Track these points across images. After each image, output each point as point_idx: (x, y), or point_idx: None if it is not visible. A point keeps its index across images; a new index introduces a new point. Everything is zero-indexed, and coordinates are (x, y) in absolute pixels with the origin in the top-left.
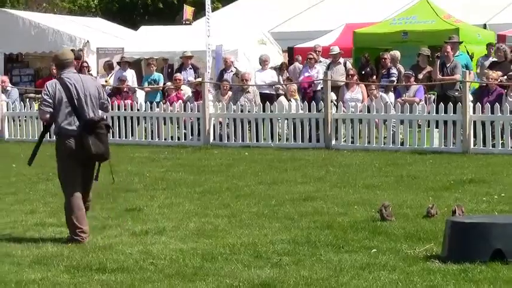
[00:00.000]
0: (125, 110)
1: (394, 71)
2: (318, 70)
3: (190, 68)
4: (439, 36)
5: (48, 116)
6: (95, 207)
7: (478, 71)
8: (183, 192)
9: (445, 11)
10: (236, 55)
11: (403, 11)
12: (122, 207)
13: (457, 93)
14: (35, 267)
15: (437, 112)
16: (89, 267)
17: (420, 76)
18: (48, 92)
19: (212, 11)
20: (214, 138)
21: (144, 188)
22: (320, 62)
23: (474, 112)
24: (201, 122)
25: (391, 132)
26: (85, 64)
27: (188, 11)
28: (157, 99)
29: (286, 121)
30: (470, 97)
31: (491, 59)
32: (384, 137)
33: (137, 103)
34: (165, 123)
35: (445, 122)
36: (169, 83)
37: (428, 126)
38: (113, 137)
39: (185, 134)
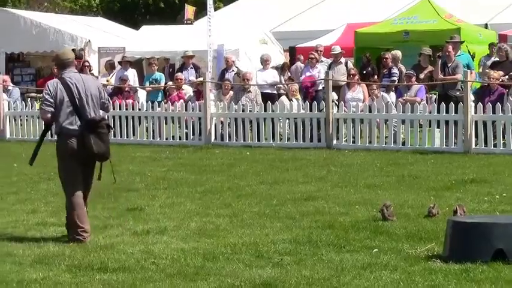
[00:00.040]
0: (126, 109)
1: (395, 70)
2: (319, 70)
3: (192, 68)
4: (440, 36)
5: (49, 115)
6: (96, 206)
7: (481, 70)
8: (184, 191)
9: (447, 10)
10: (237, 55)
11: (404, 11)
12: (124, 206)
13: (458, 93)
14: (37, 266)
15: (438, 112)
16: (90, 267)
17: (421, 76)
18: (50, 91)
19: (213, 11)
20: (215, 138)
21: (146, 188)
22: (321, 61)
23: (476, 112)
24: (203, 121)
25: (393, 132)
26: (86, 64)
27: (189, 10)
28: (159, 98)
29: (287, 121)
30: (471, 97)
31: (493, 59)
32: (385, 137)
33: (138, 103)
34: (166, 123)
35: (447, 122)
36: (170, 83)
37: (430, 126)
38: (114, 136)
39: (186, 133)
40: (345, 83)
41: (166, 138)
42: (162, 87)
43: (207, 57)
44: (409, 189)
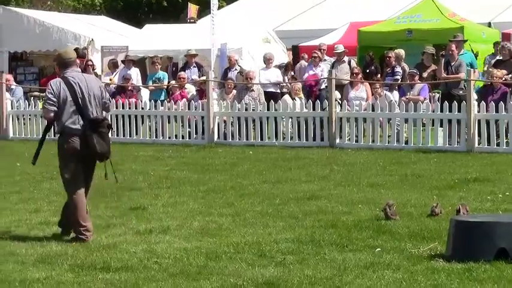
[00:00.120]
0: (129, 108)
1: (398, 69)
2: (323, 68)
3: (195, 67)
4: (443, 35)
5: (52, 114)
6: (99, 205)
7: (485, 69)
8: (187, 191)
9: (450, 9)
10: (240, 53)
11: (407, 10)
12: (126, 206)
13: (461, 92)
14: (39, 266)
15: (441, 111)
16: (93, 266)
17: (425, 75)
18: (53, 90)
19: (217, 9)
20: (218, 137)
21: (149, 187)
22: (325, 60)
23: (479, 111)
24: (205, 120)
25: (396, 131)
26: (90, 62)
27: (192, 9)
28: (162, 97)
29: (290, 120)
30: (474, 96)
31: (498, 58)
32: (388, 136)
33: (141, 101)
34: (169, 122)
35: (450, 121)
36: (173, 82)
37: (433, 125)
38: (117, 135)
39: (189, 132)
40: (348, 81)
41: (169, 137)
42: (165, 86)
43: (210, 56)
44: (412, 188)
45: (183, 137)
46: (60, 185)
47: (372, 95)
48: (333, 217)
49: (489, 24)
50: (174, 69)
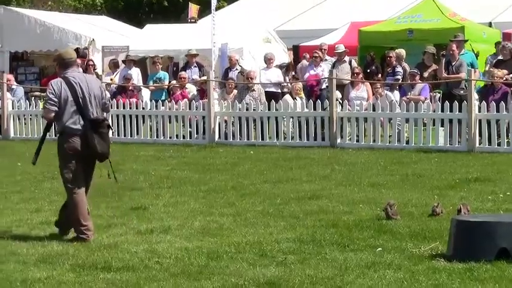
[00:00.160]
0: (130, 108)
1: (399, 69)
2: (323, 68)
3: (195, 66)
4: (444, 35)
5: (53, 114)
6: (100, 205)
7: (487, 68)
8: (188, 190)
9: (451, 9)
10: (241, 53)
11: (408, 9)
12: (127, 205)
13: (462, 92)
14: (41, 265)
15: (442, 110)
16: (94, 266)
17: (425, 74)
18: (54, 90)
19: (217, 9)
20: (219, 137)
21: (150, 187)
22: (325, 60)
23: (479, 111)
24: (206, 120)
25: (396, 131)
26: (91, 62)
27: (193, 9)
28: (163, 97)
29: (291, 119)
30: (475, 95)
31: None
32: (389, 136)
33: (142, 101)
34: (170, 122)
35: (451, 121)
36: (174, 82)
37: (434, 125)
38: (118, 135)
39: (190, 132)
40: (348, 81)
41: (170, 137)
42: (166, 86)
43: (211, 56)
44: (413, 188)
45: (184, 137)
46: (61, 185)
47: (373, 94)
48: (334, 217)
49: (490, 24)
50: (174, 69)
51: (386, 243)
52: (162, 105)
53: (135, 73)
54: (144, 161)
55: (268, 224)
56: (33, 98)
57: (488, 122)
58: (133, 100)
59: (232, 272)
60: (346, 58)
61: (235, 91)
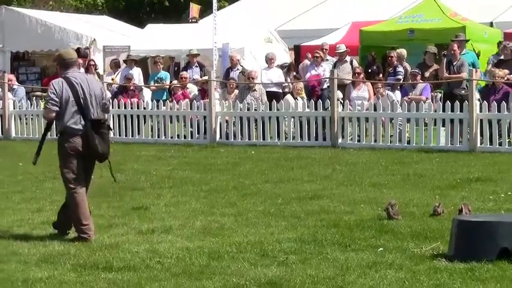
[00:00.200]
0: (131, 108)
1: (400, 69)
2: (325, 68)
3: (197, 66)
4: (445, 35)
5: (54, 114)
6: (101, 205)
7: (489, 68)
8: (189, 190)
9: (452, 9)
10: (242, 53)
11: (409, 9)
12: (129, 205)
13: (463, 92)
14: (42, 265)
15: (443, 110)
16: (95, 266)
17: (427, 74)
18: (55, 90)
19: (218, 9)
20: (220, 137)
21: (151, 187)
22: (327, 60)
23: (481, 110)
24: (208, 120)
25: (398, 131)
26: (92, 62)
27: (194, 9)
28: (164, 97)
29: (292, 119)
30: (477, 95)
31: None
32: (391, 136)
33: (143, 101)
34: (171, 122)
35: (452, 121)
36: (175, 82)
37: (435, 125)
38: (119, 135)
39: (191, 132)
40: (350, 81)
41: (171, 137)
42: (167, 86)
43: (212, 56)
44: (414, 188)
45: (185, 137)
46: (62, 185)
47: (374, 94)
48: (335, 217)
49: (491, 24)
50: (176, 69)
51: (388, 243)
52: (163, 105)
53: (136, 73)
54: (145, 161)
55: (269, 224)
56: (34, 98)
57: (490, 122)
58: (135, 100)
59: (233, 272)
60: (348, 58)
61: (236, 91)
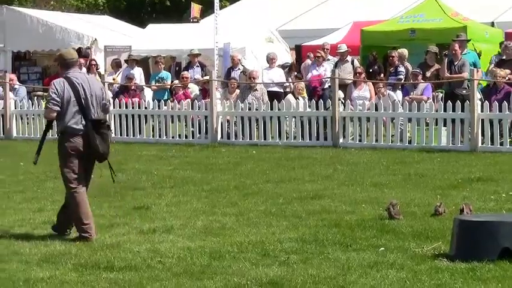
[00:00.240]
0: (133, 108)
1: (401, 69)
2: (326, 68)
3: (198, 66)
4: (446, 34)
5: (55, 114)
6: (102, 205)
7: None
8: (190, 190)
9: (453, 8)
10: (244, 53)
11: (410, 9)
12: (130, 205)
13: (464, 92)
14: (43, 265)
15: (445, 110)
16: (96, 266)
17: (428, 74)
18: (57, 90)
19: (220, 9)
20: (221, 137)
21: (152, 186)
22: (328, 60)
23: (482, 110)
24: (209, 120)
25: (399, 131)
26: (93, 62)
27: (195, 8)
28: (165, 97)
29: (293, 119)
30: (478, 95)
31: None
32: (392, 135)
33: (145, 101)
34: (172, 122)
35: (453, 120)
36: (176, 81)
37: (436, 125)
38: (120, 135)
39: (193, 132)
40: (351, 81)
41: (173, 137)
42: (168, 86)
43: (213, 56)
44: (415, 187)
45: (186, 137)
46: (63, 184)
47: (375, 94)
48: (337, 216)
49: (492, 24)
50: (177, 68)
51: (389, 242)
52: (165, 105)
53: (138, 73)
54: (147, 161)
55: (270, 224)
56: (35, 97)
57: (491, 122)
58: (136, 100)
59: (234, 272)
60: (349, 58)
61: (237, 91)
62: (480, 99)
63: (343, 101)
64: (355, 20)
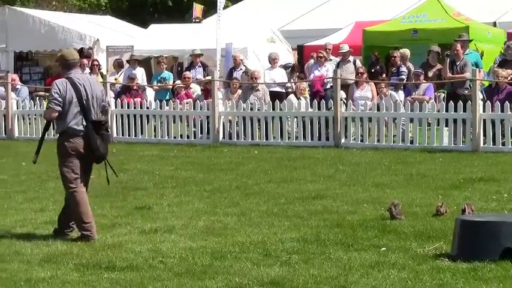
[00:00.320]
0: (135, 108)
1: (403, 69)
2: (328, 68)
3: (200, 66)
4: (448, 35)
5: (56, 114)
6: (104, 205)
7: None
8: (192, 190)
9: (455, 9)
10: (246, 53)
11: (412, 9)
12: (132, 205)
13: (466, 92)
14: (45, 265)
15: (447, 110)
16: (98, 266)
17: (430, 74)
18: (59, 90)
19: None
20: (223, 137)
21: (154, 186)
22: (330, 60)
23: (484, 110)
24: (211, 120)
25: (401, 131)
26: (96, 62)
27: (198, 9)
28: (167, 97)
29: (295, 119)
30: (480, 95)
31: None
32: (394, 136)
33: (147, 101)
34: (174, 122)
35: (455, 121)
36: (178, 82)
37: (438, 125)
38: (122, 135)
39: (194, 132)
40: (353, 81)
41: (175, 137)
42: (171, 86)
43: (216, 56)
44: (417, 187)
45: (188, 137)
46: None
47: (377, 94)
48: (338, 216)
49: (494, 24)
50: (179, 69)
51: (391, 243)
52: (167, 105)
53: (140, 73)
54: (149, 161)
55: (272, 224)
56: (37, 97)
57: (493, 122)
58: (138, 100)
59: (236, 272)
60: (351, 58)
61: (239, 91)
62: (482, 100)
63: (345, 101)
64: (357, 20)
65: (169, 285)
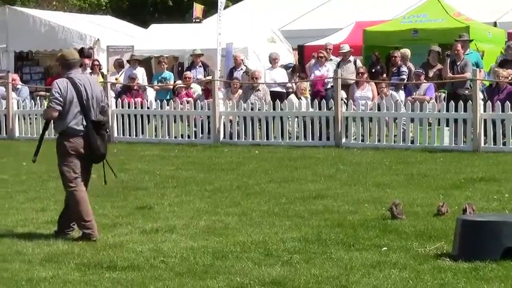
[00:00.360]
0: (135, 108)
1: (404, 69)
2: (328, 68)
3: (200, 66)
4: (449, 35)
5: (57, 114)
6: (105, 205)
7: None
8: (193, 190)
9: (455, 9)
10: (246, 53)
11: (413, 9)
12: (133, 205)
13: (467, 92)
14: (46, 265)
15: (447, 110)
16: (99, 265)
17: (430, 74)
18: (60, 90)
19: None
20: (224, 137)
21: (155, 186)
22: (331, 60)
23: (485, 110)
24: (211, 120)
25: (402, 131)
26: (96, 62)
27: (198, 9)
28: (168, 97)
29: (296, 119)
30: (481, 95)
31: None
32: (394, 135)
33: (147, 101)
34: (175, 122)
35: (456, 120)
36: (179, 81)
37: (439, 125)
38: (123, 135)
39: (195, 132)
40: (353, 81)
41: (175, 137)
42: (171, 86)
43: (216, 56)
44: (418, 187)
45: (189, 137)
46: None
47: (378, 94)
48: (339, 216)
49: (495, 24)
50: (179, 69)
51: (392, 242)
52: (167, 105)
53: (140, 73)
54: (149, 161)
55: (273, 224)
56: (38, 97)
57: (494, 122)
58: (138, 100)
59: (237, 272)
60: (351, 58)
61: (240, 91)
62: (483, 99)
63: (346, 101)
64: (358, 20)
65: (171, 285)
